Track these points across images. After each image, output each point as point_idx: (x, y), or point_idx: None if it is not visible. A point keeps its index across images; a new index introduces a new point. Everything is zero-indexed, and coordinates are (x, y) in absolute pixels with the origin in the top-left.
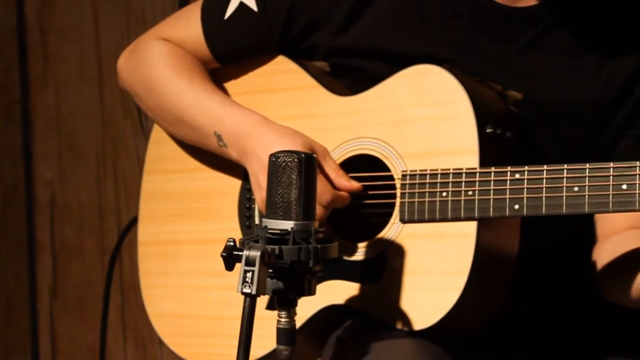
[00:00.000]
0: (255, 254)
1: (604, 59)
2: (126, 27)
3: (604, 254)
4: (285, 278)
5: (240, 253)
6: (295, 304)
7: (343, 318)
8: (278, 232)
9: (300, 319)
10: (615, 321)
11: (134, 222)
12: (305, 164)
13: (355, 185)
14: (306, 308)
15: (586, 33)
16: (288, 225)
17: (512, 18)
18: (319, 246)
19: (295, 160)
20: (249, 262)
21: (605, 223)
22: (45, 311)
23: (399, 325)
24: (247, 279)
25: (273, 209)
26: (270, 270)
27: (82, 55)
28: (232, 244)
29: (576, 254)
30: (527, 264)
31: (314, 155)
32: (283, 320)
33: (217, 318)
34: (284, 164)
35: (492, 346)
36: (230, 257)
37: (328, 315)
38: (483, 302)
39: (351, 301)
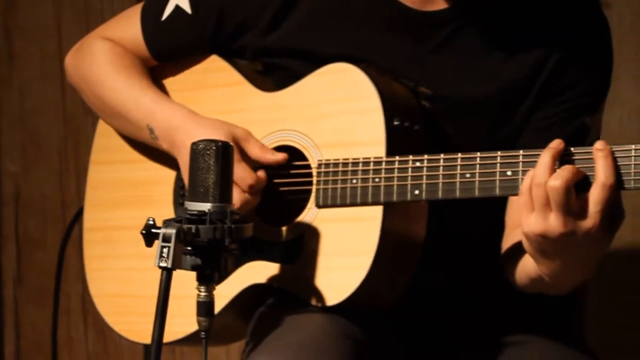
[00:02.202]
0: (171, 231)
1: (507, 58)
2: (86, 28)
3: (508, 243)
4: (203, 255)
5: (158, 231)
6: (214, 280)
7: (267, 296)
8: (196, 213)
9: (226, 298)
10: (519, 303)
11: (80, 212)
12: (222, 151)
13: (280, 156)
14: (232, 287)
15: (491, 35)
16: (206, 207)
17: (424, 21)
18: (233, 226)
19: (213, 148)
20: (166, 239)
21: (514, 214)
22: (9, 299)
23: (313, 302)
24: (163, 254)
25: (194, 192)
26: (189, 248)
27: (45, 55)
28: (151, 222)
29: (486, 242)
30: (438, 249)
31: (232, 144)
32: (202, 294)
33: (153, 297)
34: (203, 151)
35: (403, 324)
36: (149, 235)
37: (253, 294)
38: (390, 280)
39: (272, 280)
